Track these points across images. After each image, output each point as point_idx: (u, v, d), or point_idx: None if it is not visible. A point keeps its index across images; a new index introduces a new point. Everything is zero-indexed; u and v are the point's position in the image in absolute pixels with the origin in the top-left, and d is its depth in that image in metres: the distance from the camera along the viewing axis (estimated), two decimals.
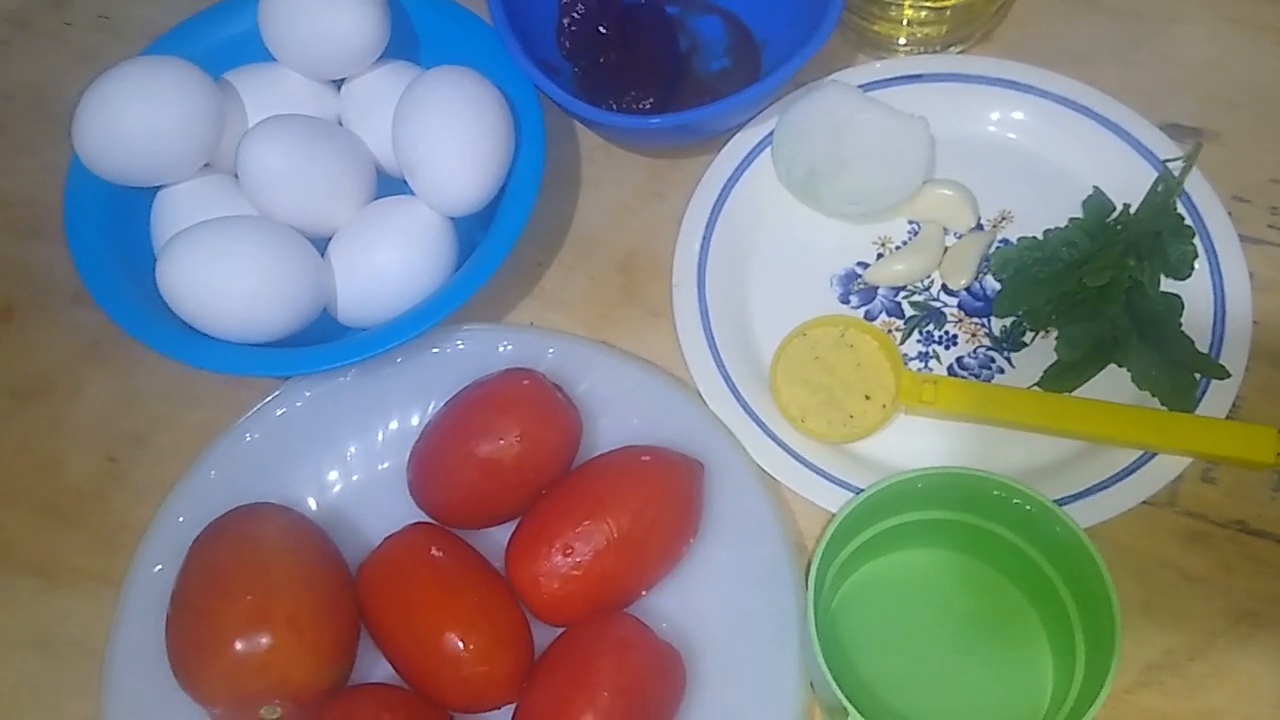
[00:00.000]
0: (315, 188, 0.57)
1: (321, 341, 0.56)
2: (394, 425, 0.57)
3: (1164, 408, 0.54)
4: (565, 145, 0.66)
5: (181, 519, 0.54)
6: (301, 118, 0.58)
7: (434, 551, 0.51)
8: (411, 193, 0.58)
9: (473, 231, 0.59)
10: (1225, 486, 0.55)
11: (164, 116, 0.55)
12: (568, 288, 0.62)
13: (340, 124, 0.61)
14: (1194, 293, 0.57)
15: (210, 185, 0.59)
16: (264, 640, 0.47)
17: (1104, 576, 0.45)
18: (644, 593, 0.53)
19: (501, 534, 0.54)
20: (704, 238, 0.60)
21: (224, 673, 0.47)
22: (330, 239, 0.58)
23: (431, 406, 0.57)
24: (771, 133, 0.62)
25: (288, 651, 0.47)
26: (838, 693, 0.44)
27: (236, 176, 0.58)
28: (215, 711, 0.48)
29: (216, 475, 0.56)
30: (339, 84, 0.62)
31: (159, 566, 0.54)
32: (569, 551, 0.50)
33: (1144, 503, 0.53)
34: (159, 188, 0.59)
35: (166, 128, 0.55)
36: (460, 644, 0.48)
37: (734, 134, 0.62)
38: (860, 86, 0.61)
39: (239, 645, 0.47)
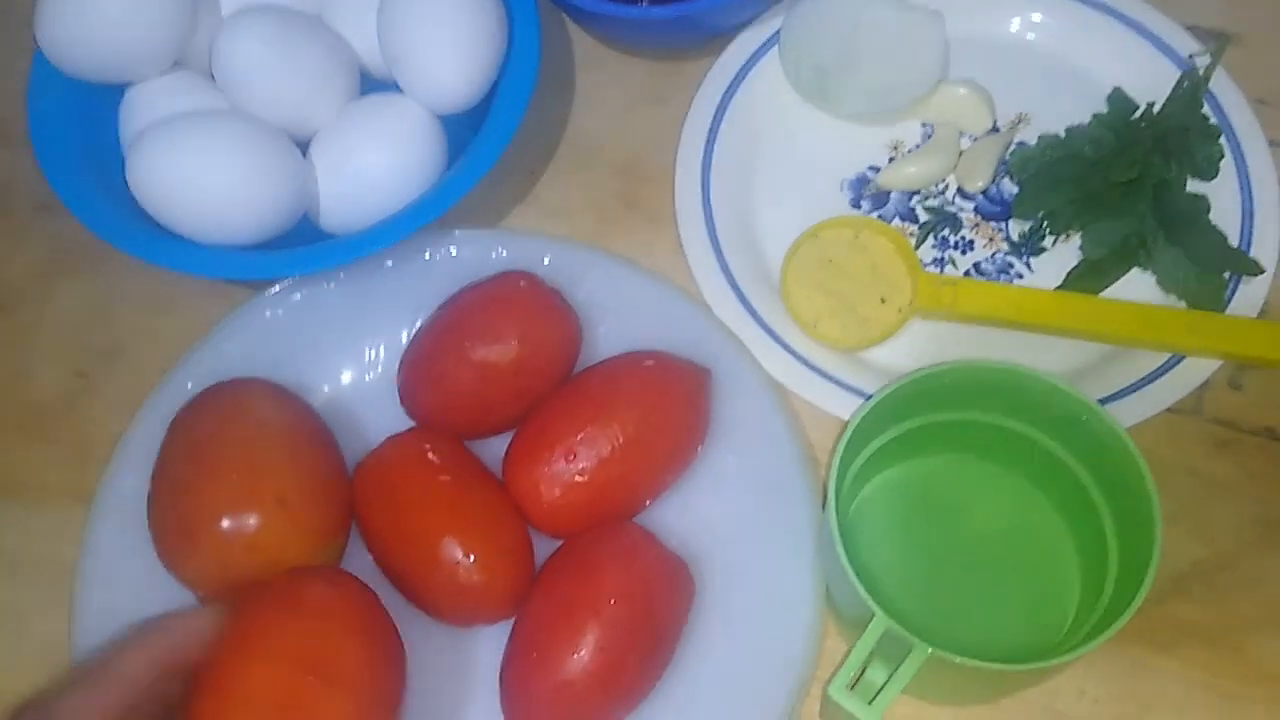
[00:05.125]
0: (296, 82, 0.54)
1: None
2: (383, 335, 0.54)
3: None
4: (559, 51, 0.63)
5: (155, 433, 0.51)
6: (281, 8, 0.55)
7: (431, 456, 0.48)
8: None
9: (464, 137, 0.56)
10: (1253, 393, 0.53)
11: (133, 4, 0.52)
12: (565, 196, 0.59)
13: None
14: (1221, 198, 0.55)
15: (182, 82, 0.56)
16: (252, 520, 0.44)
17: (1144, 474, 0.43)
18: (649, 503, 0.50)
19: (501, 447, 0.50)
20: (708, 141, 0.58)
21: (210, 554, 0.44)
22: (311, 140, 0.55)
23: (423, 316, 0.54)
24: (777, 32, 0.59)
25: (277, 531, 0.44)
26: (862, 593, 0.42)
27: (209, 78, 0.55)
28: (202, 595, 0.45)
29: (193, 387, 0.52)
30: None
31: (132, 482, 0.50)
32: (571, 457, 0.47)
33: (1170, 410, 0.51)
34: (126, 87, 0.55)
35: (136, 17, 0.52)
36: (459, 552, 0.45)
37: (738, 34, 0.59)
38: None
39: (225, 525, 0.44)
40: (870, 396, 0.45)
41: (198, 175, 0.50)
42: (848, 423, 0.44)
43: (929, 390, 0.46)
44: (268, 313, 0.54)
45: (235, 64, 0.53)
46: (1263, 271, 0.52)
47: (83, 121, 0.56)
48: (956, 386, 0.46)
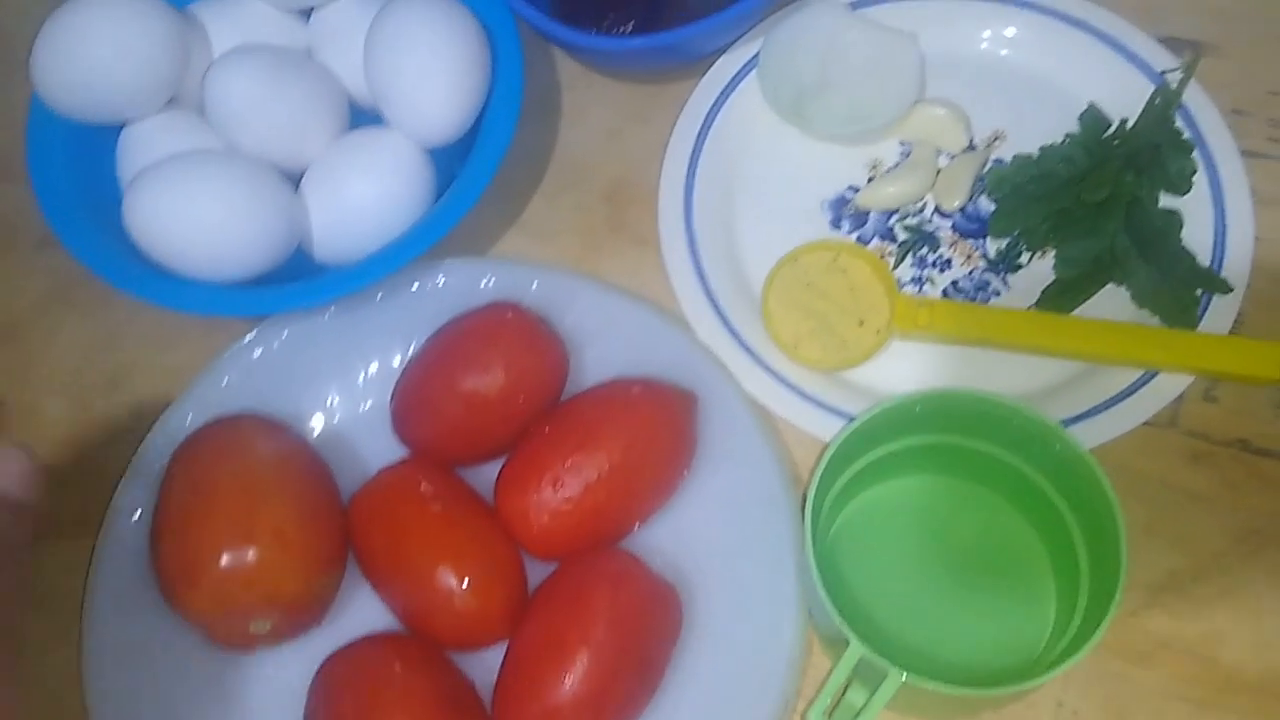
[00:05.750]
0: (285, 118, 0.55)
1: (298, 280, 0.54)
2: (375, 365, 0.56)
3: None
4: (544, 74, 0.64)
5: (158, 465, 0.53)
6: (270, 47, 0.56)
7: (424, 486, 0.49)
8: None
9: (451, 165, 0.57)
10: (1227, 405, 0.54)
11: (126, 48, 0.53)
12: (552, 219, 0.61)
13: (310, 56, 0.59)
14: (1194, 210, 0.55)
15: (176, 121, 0.57)
16: (250, 554, 0.45)
17: (1108, 493, 0.44)
18: (636, 527, 0.51)
19: (492, 473, 0.52)
20: (690, 164, 0.59)
21: (211, 588, 0.45)
22: (303, 175, 0.56)
23: (413, 345, 0.55)
24: (757, 54, 0.60)
25: (275, 564, 0.46)
26: (838, 620, 0.43)
27: (202, 114, 0.56)
28: (203, 627, 0.47)
29: (193, 420, 0.54)
30: (307, 14, 0.59)
31: (136, 513, 0.52)
32: (559, 484, 0.48)
33: (1145, 424, 0.52)
34: (123, 126, 0.57)
35: (129, 59, 0.53)
36: (454, 578, 0.47)
37: (719, 57, 0.60)
38: (848, 3, 0.59)
39: (225, 559, 0.45)
40: (847, 424, 0.46)
41: (191, 215, 0.51)
42: (822, 454, 0.46)
43: (901, 417, 0.47)
44: (262, 347, 0.55)
45: (226, 102, 0.54)
46: (1230, 290, 0.52)
47: (81, 160, 0.57)
48: (928, 413, 0.47)
